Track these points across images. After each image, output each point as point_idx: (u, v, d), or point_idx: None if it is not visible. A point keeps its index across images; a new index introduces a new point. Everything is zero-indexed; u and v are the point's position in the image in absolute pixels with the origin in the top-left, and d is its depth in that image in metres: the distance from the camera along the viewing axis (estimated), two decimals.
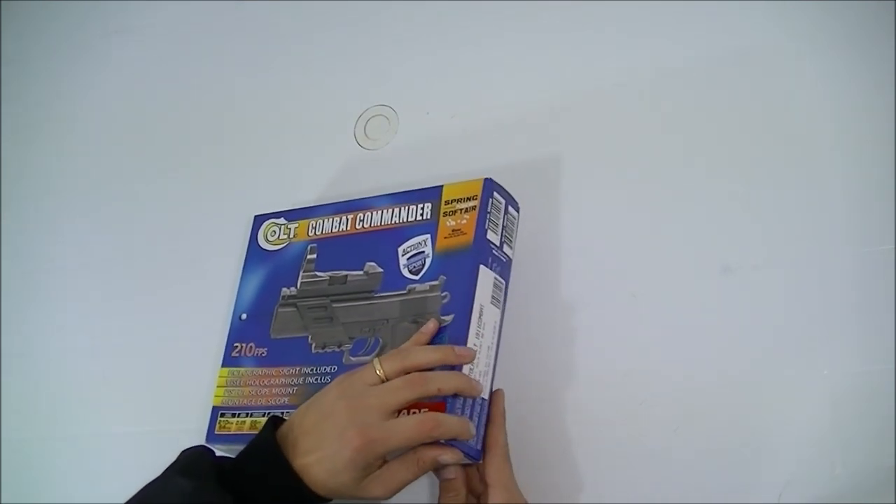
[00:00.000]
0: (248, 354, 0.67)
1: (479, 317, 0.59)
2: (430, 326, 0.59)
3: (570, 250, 0.68)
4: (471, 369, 0.57)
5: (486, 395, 0.58)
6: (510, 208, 0.64)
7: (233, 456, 0.55)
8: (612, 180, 0.70)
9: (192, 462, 0.54)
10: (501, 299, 0.62)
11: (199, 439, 0.65)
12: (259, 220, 0.73)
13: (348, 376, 0.56)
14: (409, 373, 0.55)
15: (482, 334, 0.59)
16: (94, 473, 0.76)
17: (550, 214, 0.69)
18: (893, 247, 0.60)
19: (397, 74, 0.84)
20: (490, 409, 0.58)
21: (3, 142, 0.96)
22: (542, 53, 0.78)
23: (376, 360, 0.56)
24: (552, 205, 0.70)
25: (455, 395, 0.56)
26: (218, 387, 0.67)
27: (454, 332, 0.58)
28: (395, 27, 0.86)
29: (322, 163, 0.81)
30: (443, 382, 0.55)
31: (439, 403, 0.55)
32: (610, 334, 0.64)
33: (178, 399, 0.74)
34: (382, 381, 0.55)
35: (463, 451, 0.55)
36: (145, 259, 0.84)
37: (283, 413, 0.62)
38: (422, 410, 0.55)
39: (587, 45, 0.77)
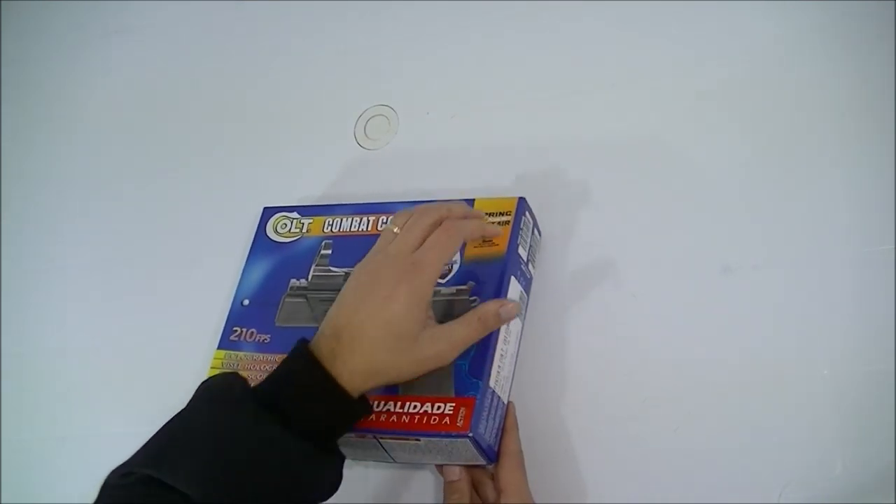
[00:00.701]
0: (249, 340, 0.66)
1: (507, 324, 0.59)
2: None
3: (569, 250, 0.68)
4: (501, 356, 0.58)
5: (505, 401, 0.59)
6: (535, 230, 0.66)
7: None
8: (612, 180, 0.70)
9: (224, 391, 0.52)
10: (524, 313, 0.63)
11: None
12: (269, 211, 0.73)
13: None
14: None
15: (508, 341, 0.60)
16: (94, 473, 0.76)
17: (550, 214, 0.69)
18: (893, 247, 0.60)
19: (397, 74, 0.84)
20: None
21: (3, 142, 0.96)
22: (543, 53, 0.78)
23: (387, 225, 0.58)
24: (552, 205, 0.70)
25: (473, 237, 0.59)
26: (212, 368, 0.66)
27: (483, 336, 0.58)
28: (395, 27, 0.86)
29: (322, 162, 0.81)
30: (451, 210, 0.57)
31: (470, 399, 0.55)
32: (610, 334, 0.64)
33: (178, 399, 0.73)
34: None
35: (480, 449, 0.55)
36: (145, 259, 0.84)
37: None
38: None
39: (587, 45, 0.77)
